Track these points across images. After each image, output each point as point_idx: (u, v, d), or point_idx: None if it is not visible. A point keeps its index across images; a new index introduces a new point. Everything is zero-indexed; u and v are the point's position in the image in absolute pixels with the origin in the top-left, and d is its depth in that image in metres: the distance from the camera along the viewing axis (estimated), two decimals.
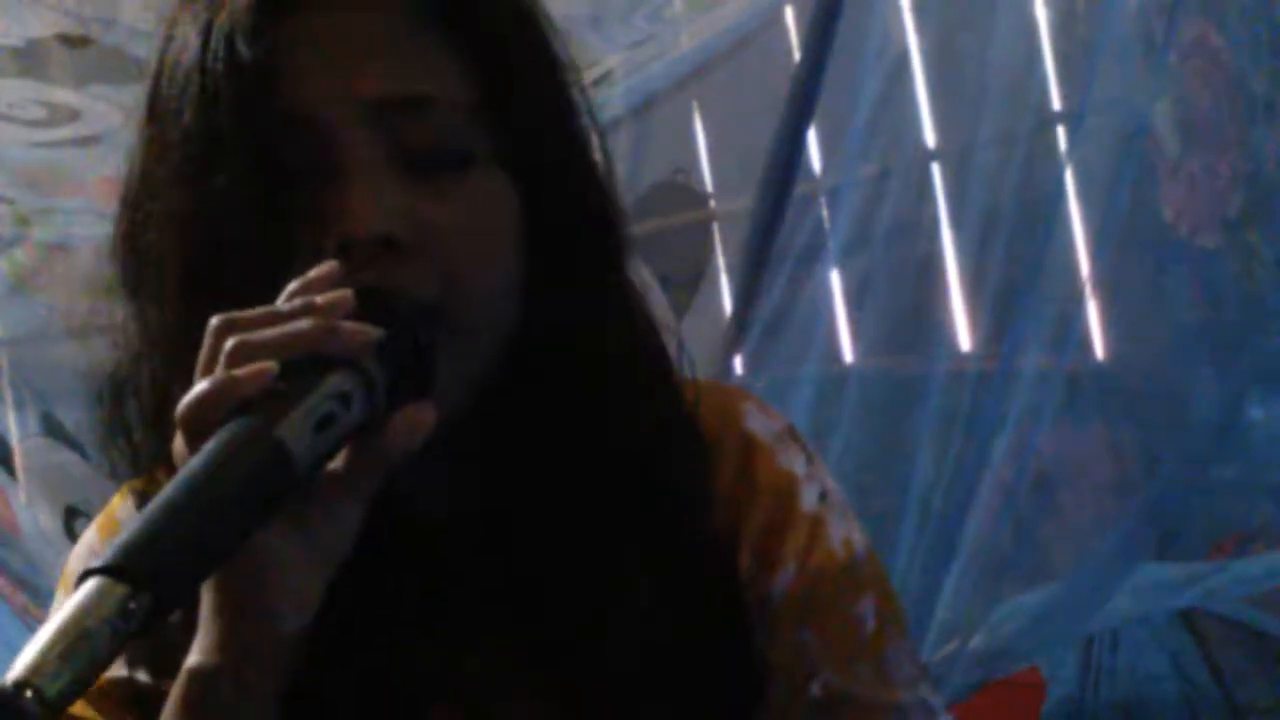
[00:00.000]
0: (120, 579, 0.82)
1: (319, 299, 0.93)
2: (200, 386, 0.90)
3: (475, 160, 1.01)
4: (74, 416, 3.56)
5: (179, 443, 0.91)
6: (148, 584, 0.82)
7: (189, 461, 0.88)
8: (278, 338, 0.91)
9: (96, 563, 0.83)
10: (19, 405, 3.74)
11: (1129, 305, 3.20)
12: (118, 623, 0.81)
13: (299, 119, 0.99)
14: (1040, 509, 3.16)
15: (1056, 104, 3.16)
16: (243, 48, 0.98)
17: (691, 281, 4.01)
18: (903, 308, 3.12)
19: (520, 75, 1.03)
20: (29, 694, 0.78)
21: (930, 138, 3.29)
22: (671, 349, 1.10)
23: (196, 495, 0.86)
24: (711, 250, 4.02)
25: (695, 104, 3.97)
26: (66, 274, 3.56)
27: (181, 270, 1.01)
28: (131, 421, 1.05)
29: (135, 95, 1.06)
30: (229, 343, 0.91)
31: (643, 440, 1.06)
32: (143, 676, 1.05)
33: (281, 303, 0.94)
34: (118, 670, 1.05)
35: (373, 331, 0.93)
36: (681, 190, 4.07)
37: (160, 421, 1.02)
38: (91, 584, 0.82)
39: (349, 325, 0.92)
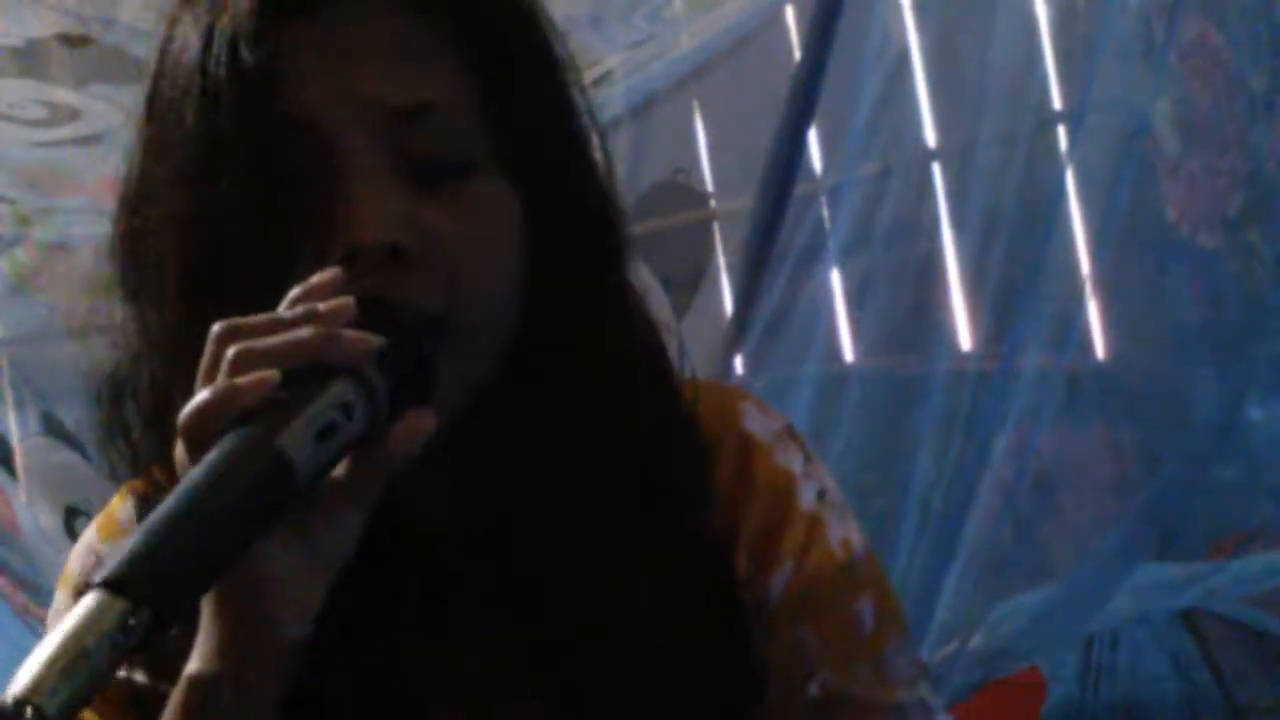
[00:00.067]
0: (120, 594, 0.82)
1: (321, 306, 0.92)
2: (202, 395, 0.90)
3: (477, 165, 1.01)
4: (74, 416, 3.56)
5: (180, 450, 0.91)
6: (148, 599, 0.82)
7: (190, 472, 0.87)
8: (280, 346, 0.91)
9: (97, 576, 0.82)
10: (19, 405, 3.74)
11: (1129, 305, 3.20)
12: (118, 637, 0.81)
13: (301, 124, 0.98)
14: (1040, 509, 3.16)
15: (1057, 103, 3.16)
16: (245, 52, 0.98)
17: (691, 281, 4.01)
18: (903, 308, 3.12)
19: (522, 78, 1.03)
20: (30, 711, 0.78)
21: (930, 137, 3.29)
22: (671, 349, 1.10)
23: (197, 507, 0.85)
24: (711, 250, 4.02)
25: (695, 104, 3.97)
26: (66, 274, 3.56)
27: (182, 273, 1.00)
28: (130, 422, 1.05)
29: (135, 95, 1.06)
30: (231, 350, 0.91)
31: (642, 440, 1.06)
32: (141, 678, 1.05)
33: (284, 309, 0.93)
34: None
35: (374, 340, 0.92)
36: (681, 190, 4.07)
37: (159, 422, 1.02)
38: (91, 599, 0.82)
39: (351, 334, 0.92)
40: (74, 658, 0.80)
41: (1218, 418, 2.93)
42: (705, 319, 3.87)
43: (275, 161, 0.98)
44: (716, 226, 4.09)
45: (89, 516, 1.14)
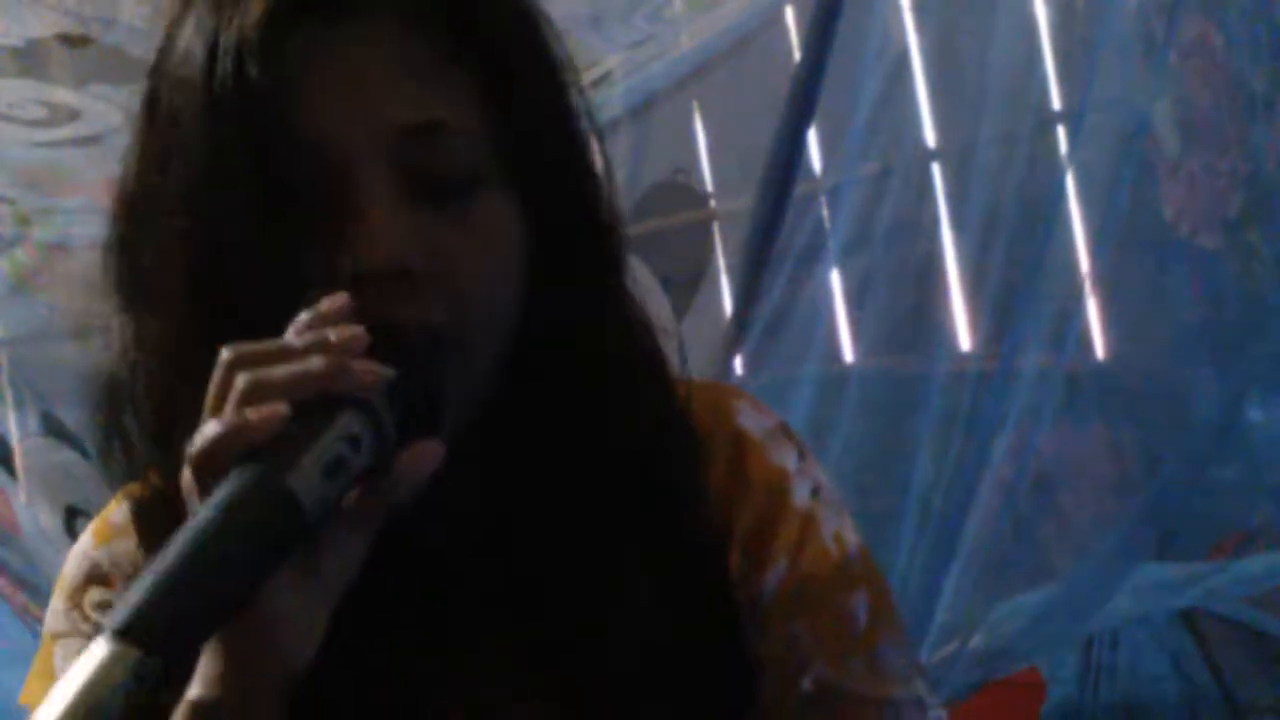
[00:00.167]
0: (132, 643, 0.82)
1: (332, 335, 0.92)
2: (212, 428, 0.89)
3: (482, 181, 1.01)
4: (74, 416, 3.56)
5: (187, 479, 0.91)
6: (160, 648, 0.82)
7: (198, 511, 0.87)
8: (289, 377, 0.90)
9: (110, 623, 0.82)
10: (19, 405, 3.75)
11: (1129, 305, 3.20)
12: (131, 686, 0.81)
13: (310, 143, 0.98)
14: (1040, 509, 3.16)
15: (1056, 104, 3.16)
16: (253, 68, 0.97)
17: (691, 281, 4.01)
18: (903, 308, 3.12)
19: (525, 91, 1.03)
20: None
21: (930, 137, 3.29)
22: (668, 350, 1.10)
23: (206, 551, 0.85)
24: (711, 250, 4.02)
25: (695, 104, 3.97)
26: (66, 274, 3.57)
27: (185, 285, 1.00)
28: (128, 429, 1.04)
29: (135, 95, 1.05)
30: (240, 380, 0.90)
31: (642, 440, 1.06)
32: None
33: (292, 334, 0.93)
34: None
35: (384, 371, 0.92)
36: (681, 190, 4.07)
37: (158, 430, 1.02)
38: (103, 648, 0.82)
39: (361, 365, 0.91)
40: (89, 711, 0.80)
41: (1218, 418, 2.93)
42: (705, 319, 3.87)
43: (282, 178, 0.98)
44: (716, 226, 4.09)
45: (89, 516, 1.14)
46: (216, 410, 0.91)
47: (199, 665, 0.92)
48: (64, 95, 3.48)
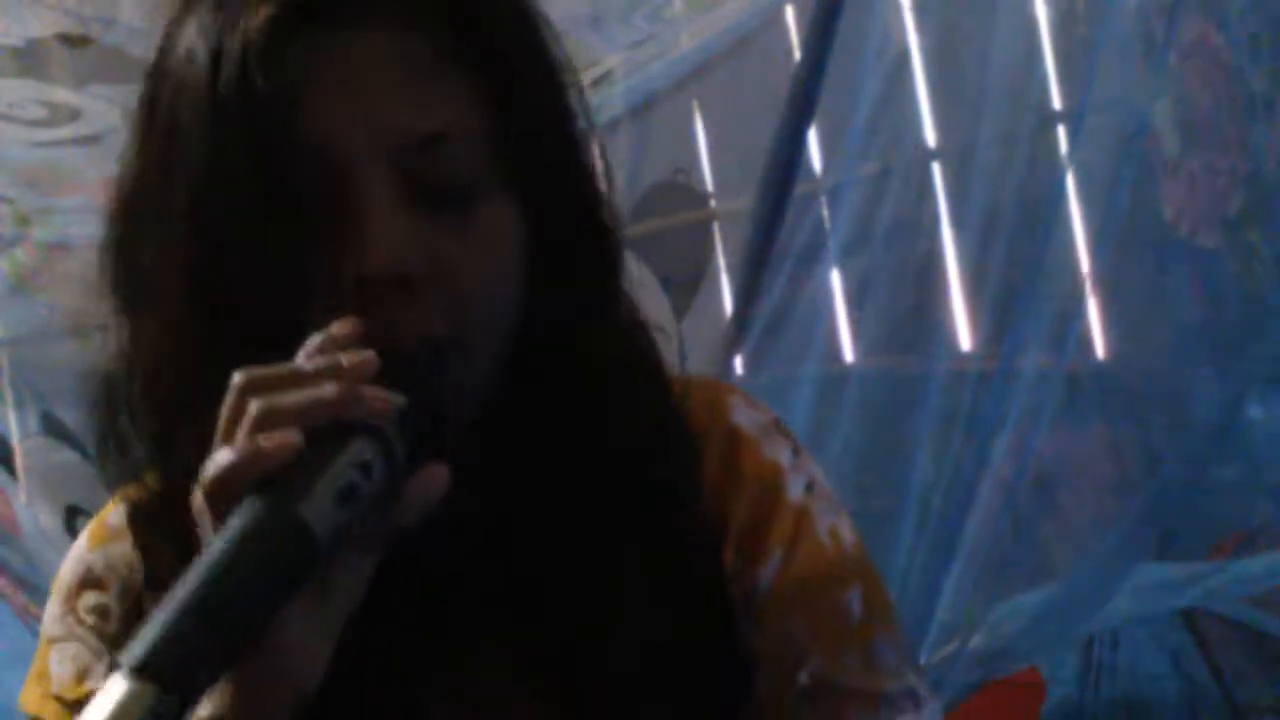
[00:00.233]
0: (149, 680, 0.82)
1: (344, 361, 0.92)
2: (226, 456, 0.90)
3: (482, 186, 1.01)
4: (74, 416, 3.56)
5: (199, 502, 0.91)
6: (177, 686, 0.83)
7: (213, 544, 0.87)
8: (303, 404, 0.90)
9: (126, 660, 0.83)
10: (19, 405, 3.75)
11: (1129, 305, 3.20)
12: None
13: (314, 150, 0.98)
14: (1040, 509, 3.16)
15: (1056, 104, 3.16)
16: (258, 75, 0.97)
17: (691, 281, 4.01)
18: (903, 308, 3.12)
19: (526, 96, 1.03)
20: None
21: (930, 137, 3.29)
22: (664, 348, 1.11)
23: (222, 586, 0.86)
24: (711, 250, 4.03)
25: (695, 104, 3.97)
26: (66, 274, 3.57)
27: (185, 290, 1.00)
28: (125, 432, 1.04)
29: (135, 95, 1.05)
30: (253, 406, 0.90)
31: (640, 440, 1.06)
32: None
33: (303, 357, 0.93)
34: (101, 683, 1.06)
35: (396, 399, 0.92)
36: (681, 190, 4.07)
37: (156, 433, 1.02)
38: (120, 686, 0.82)
39: (373, 392, 0.92)
40: None
41: (1218, 418, 2.93)
42: (705, 319, 3.88)
43: (284, 182, 0.98)
44: (716, 226, 4.10)
45: (89, 516, 1.14)
46: (229, 434, 0.91)
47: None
48: (64, 95, 3.48)
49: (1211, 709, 3.41)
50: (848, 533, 1.10)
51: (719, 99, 3.86)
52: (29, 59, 3.49)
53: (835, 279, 3.18)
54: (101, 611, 1.09)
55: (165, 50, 1.03)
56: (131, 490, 1.07)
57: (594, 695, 1.03)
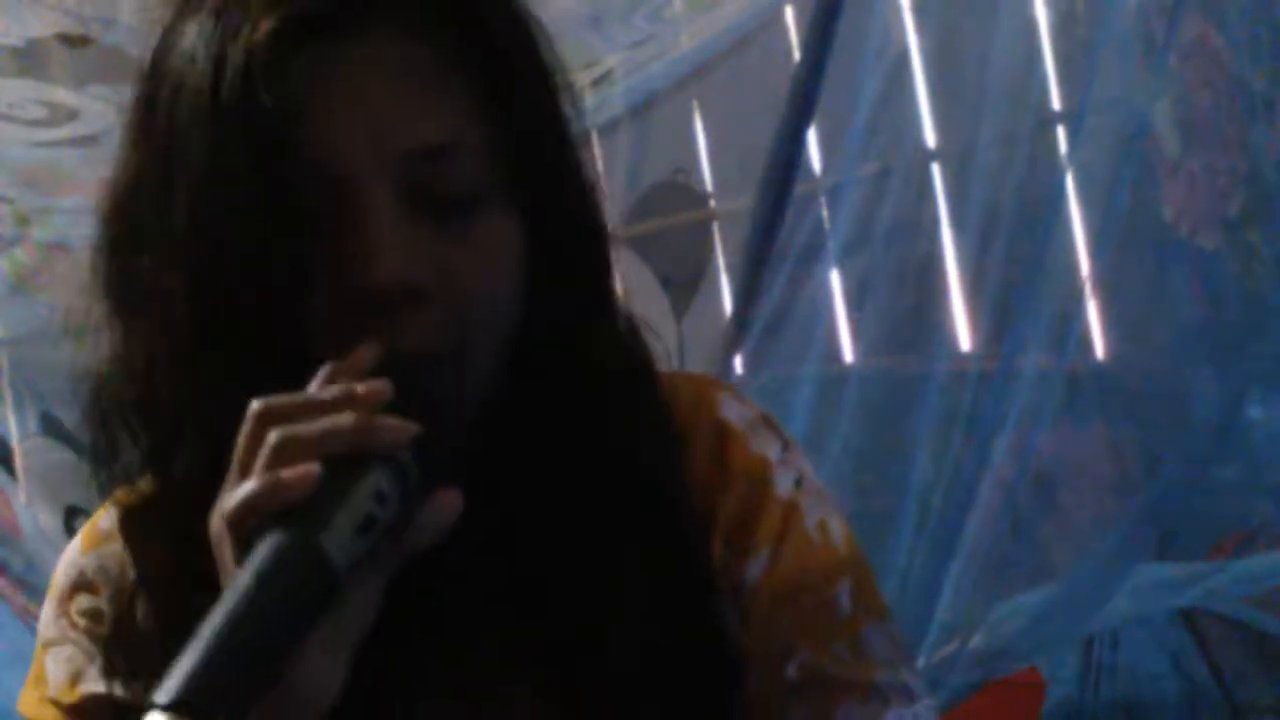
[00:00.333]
0: (184, 716, 0.84)
1: (360, 389, 0.93)
2: (248, 488, 0.90)
3: (484, 196, 1.01)
4: (74, 416, 3.56)
5: (218, 529, 0.92)
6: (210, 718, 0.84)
7: (239, 578, 0.88)
8: (321, 434, 0.91)
9: (160, 698, 0.84)
10: (19, 405, 3.75)
11: (1129, 305, 3.20)
12: None
13: (318, 162, 0.98)
14: (1040, 509, 3.16)
15: (1056, 104, 3.16)
16: (260, 90, 0.97)
17: (691, 281, 4.01)
18: (903, 308, 3.12)
19: (525, 95, 1.03)
20: None
21: (931, 137, 3.29)
22: (655, 346, 1.11)
23: (249, 623, 0.87)
24: (711, 250, 4.03)
25: (695, 104, 3.98)
26: (66, 274, 3.57)
27: (185, 298, 1.00)
28: (117, 436, 1.04)
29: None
30: (272, 436, 0.91)
31: (639, 440, 1.06)
32: (120, 691, 1.05)
33: (317, 386, 0.94)
34: (95, 686, 1.06)
35: (411, 428, 0.93)
36: (681, 190, 4.07)
37: (150, 439, 1.02)
38: None
39: (389, 422, 0.92)
40: None
41: (1218, 418, 2.93)
42: (705, 319, 3.88)
43: (287, 194, 0.98)
44: (716, 226, 4.10)
45: (89, 516, 1.14)
46: (247, 462, 0.92)
47: None
48: (64, 95, 3.48)
49: (1211, 709, 3.41)
50: (838, 527, 1.10)
51: (719, 99, 3.86)
52: (29, 59, 3.49)
53: (835, 279, 3.18)
54: (94, 614, 1.09)
55: (162, 54, 1.02)
56: (123, 496, 1.07)
57: (594, 695, 1.03)
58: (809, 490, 1.11)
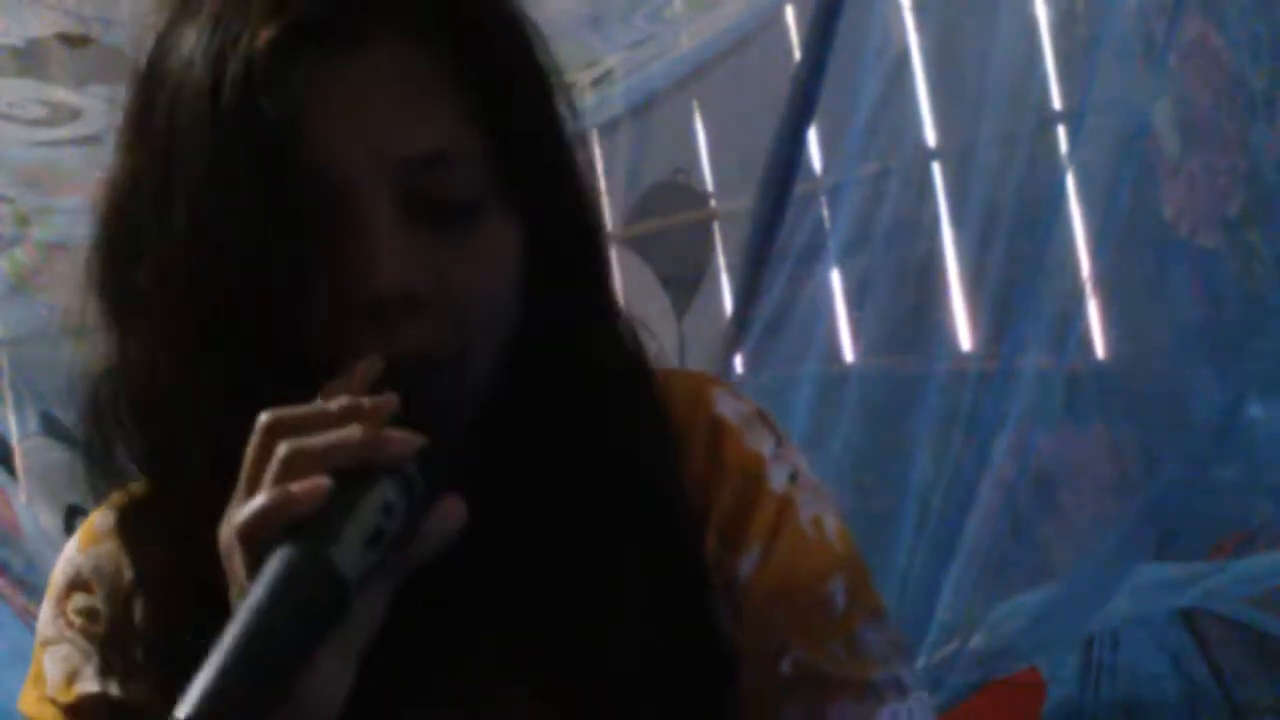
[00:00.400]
0: None
1: (367, 403, 0.93)
2: (259, 502, 0.91)
3: (483, 202, 1.01)
4: (74, 416, 3.56)
5: (227, 539, 0.92)
6: None
7: (252, 593, 0.89)
8: (329, 447, 0.92)
9: (180, 713, 0.85)
10: (19, 405, 3.75)
11: (1129, 305, 3.20)
12: None
13: (317, 170, 0.98)
14: (1040, 509, 3.16)
15: (1057, 104, 3.16)
16: (261, 99, 0.97)
17: (691, 281, 4.02)
18: (903, 308, 3.12)
19: (524, 106, 1.03)
20: None
21: (931, 137, 3.29)
22: (650, 345, 1.11)
23: (262, 637, 0.88)
24: (711, 250, 4.03)
25: (695, 104, 3.98)
26: (66, 274, 3.57)
27: (183, 303, 1.00)
28: (113, 437, 1.05)
29: None
30: (281, 449, 0.91)
31: (639, 440, 1.06)
32: (116, 691, 1.05)
33: (325, 399, 0.94)
34: (91, 685, 1.06)
35: (417, 440, 0.94)
36: (681, 190, 4.07)
37: (146, 440, 1.02)
38: None
39: (396, 435, 0.93)
40: None
41: (1218, 418, 2.93)
42: (705, 319, 3.88)
43: (286, 201, 0.98)
44: (716, 226, 4.10)
45: (89, 516, 1.14)
46: (255, 473, 0.92)
47: None
48: (64, 95, 3.48)
49: (1211, 709, 3.41)
50: (832, 523, 1.10)
51: (719, 99, 3.86)
52: (29, 59, 3.49)
53: (835, 279, 3.18)
54: (90, 613, 1.09)
55: (159, 57, 1.02)
56: (119, 497, 1.07)
57: (594, 695, 1.03)
58: (803, 486, 1.11)
